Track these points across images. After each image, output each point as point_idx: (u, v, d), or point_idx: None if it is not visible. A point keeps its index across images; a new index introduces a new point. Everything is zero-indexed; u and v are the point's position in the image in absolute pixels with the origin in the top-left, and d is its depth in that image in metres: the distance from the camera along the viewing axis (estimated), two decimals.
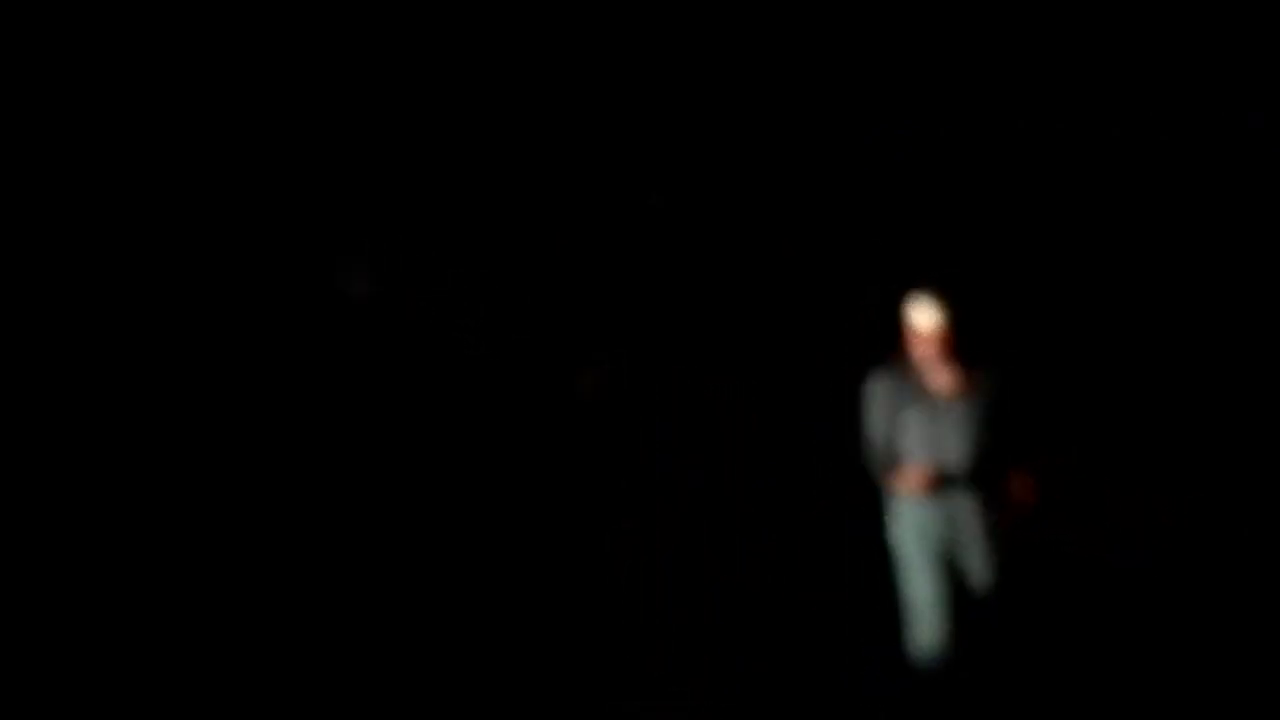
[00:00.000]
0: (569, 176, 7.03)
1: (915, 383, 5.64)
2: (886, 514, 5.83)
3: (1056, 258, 6.80)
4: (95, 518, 6.58)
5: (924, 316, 5.52)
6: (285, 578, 6.69)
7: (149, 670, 6.31)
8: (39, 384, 6.65)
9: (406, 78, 6.92)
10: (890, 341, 5.81)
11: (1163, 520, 6.58)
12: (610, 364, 6.98)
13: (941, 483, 5.62)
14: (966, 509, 5.70)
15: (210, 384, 6.73)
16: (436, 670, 6.77)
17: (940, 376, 5.58)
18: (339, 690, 6.52)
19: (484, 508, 7.04)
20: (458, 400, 7.06)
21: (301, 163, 6.91)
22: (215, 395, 6.72)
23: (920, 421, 5.64)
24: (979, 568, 5.73)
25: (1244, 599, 6.46)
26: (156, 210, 6.74)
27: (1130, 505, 6.62)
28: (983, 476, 5.67)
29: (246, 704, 6.24)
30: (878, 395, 5.70)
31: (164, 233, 6.75)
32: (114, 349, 6.70)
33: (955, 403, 5.62)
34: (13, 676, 6.16)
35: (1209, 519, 6.54)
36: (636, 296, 7.06)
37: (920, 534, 5.73)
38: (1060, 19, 6.70)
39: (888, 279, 6.10)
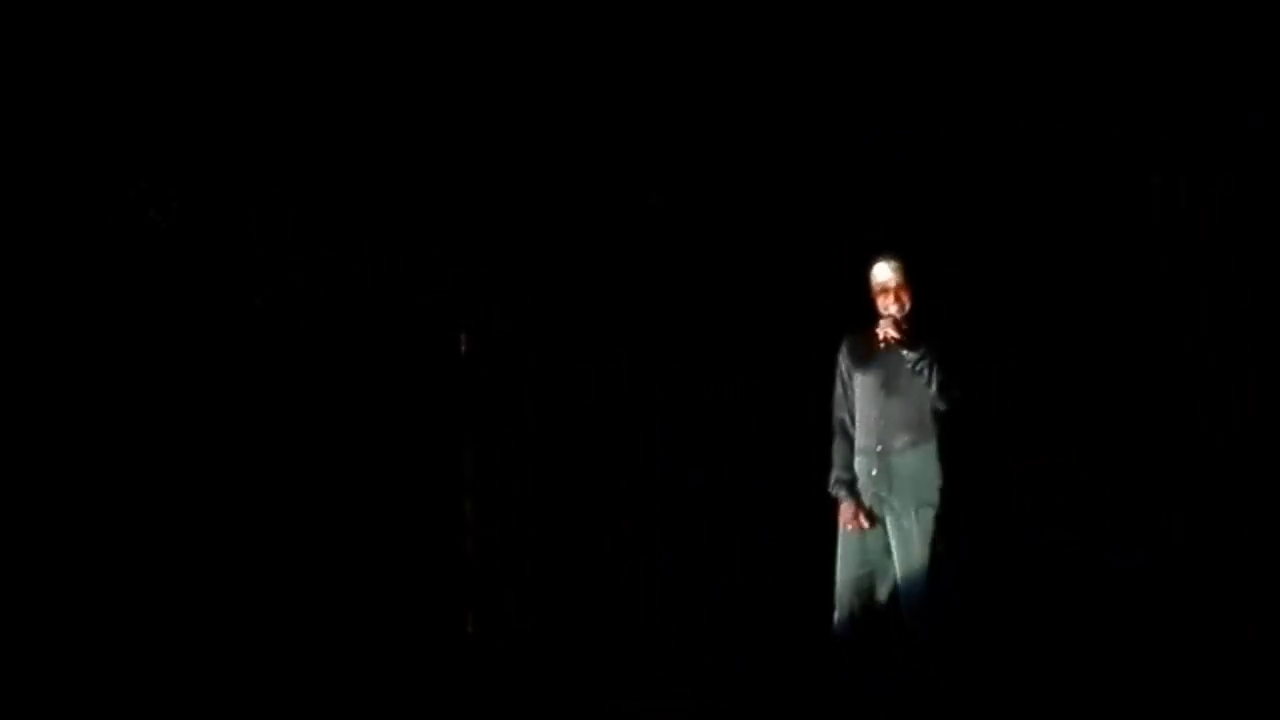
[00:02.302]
0: (569, 176, 7.03)
1: (874, 341, 5.85)
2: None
3: (1058, 257, 6.80)
4: None
5: (880, 268, 5.87)
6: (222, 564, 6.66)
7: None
8: None
9: (405, 75, 6.92)
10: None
11: (1163, 520, 6.58)
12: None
13: (872, 521, 5.87)
14: (903, 474, 5.81)
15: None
16: (437, 670, 6.77)
17: (889, 326, 5.78)
18: (333, 690, 6.53)
19: (485, 506, 7.04)
20: (452, 396, 7.06)
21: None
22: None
23: (871, 377, 5.90)
24: (908, 556, 5.79)
25: (1244, 599, 6.46)
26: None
27: (1130, 505, 6.61)
28: (922, 434, 5.80)
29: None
30: (841, 353, 6.04)
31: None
32: None
33: (896, 353, 5.79)
34: None
35: (1209, 519, 6.53)
36: (636, 296, 7.06)
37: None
38: (1060, 19, 6.69)
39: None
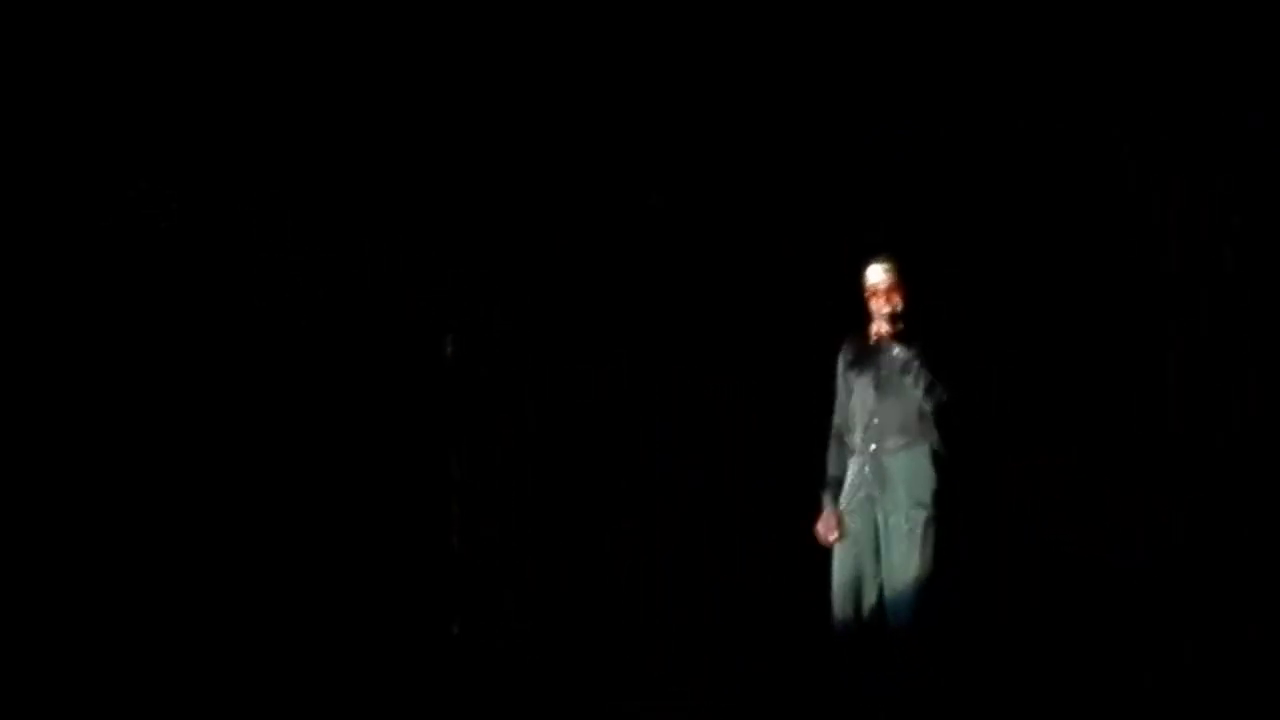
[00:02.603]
0: (568, 176, 7.03)
1: (869, 343, 5.92)
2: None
3: (1057, 257, 6.80)
4: None
5: (873, 270, 5.88)
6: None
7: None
8: None
9: (402, 75, 6.92)
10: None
11: (1163, 520, 6.58)
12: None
13: (840, 533, 5.91)
14: (894, 475, 5.82)
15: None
16: (437, 669, 6.77)
17: (881, 326, 5.82)
18: (326, 691, 6.53)
19: (484, 506, 7.04)
20: (451, 395, 7.06)
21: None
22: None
23: (865, 379, 5.93)
24: (899, 557, 5.79)
25: (1244, 599, 6.46)
26: None
27: (1130, 505, 6.61)
28: (915, 433, 5.82)
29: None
30: (839, 357, 6.07)
31: None
32: None
33: (889, 354, 5.84)
34: None
35: (1209, 519, 6.53)
36: (635, 296, 7.06)
37: (846, 512, 5.93)
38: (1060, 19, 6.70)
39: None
